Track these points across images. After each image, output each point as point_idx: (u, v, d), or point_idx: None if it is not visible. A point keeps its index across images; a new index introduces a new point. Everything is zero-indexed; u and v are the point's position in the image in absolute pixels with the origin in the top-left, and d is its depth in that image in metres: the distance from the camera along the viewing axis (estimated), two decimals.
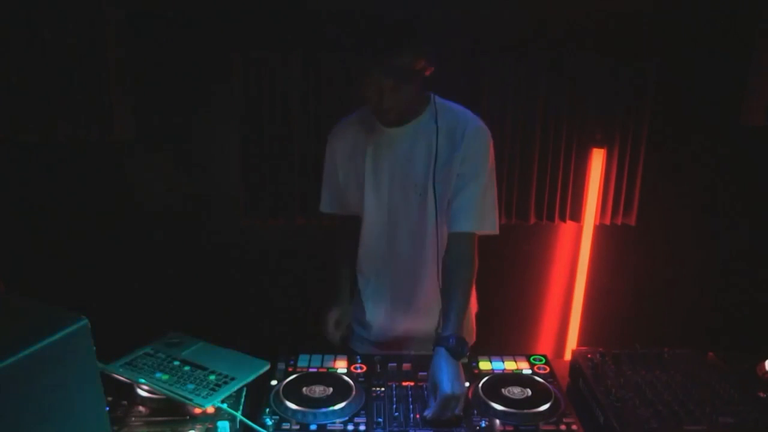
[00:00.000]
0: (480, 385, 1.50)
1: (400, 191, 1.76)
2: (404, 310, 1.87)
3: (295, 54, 2.48)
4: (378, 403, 1.46)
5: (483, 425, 1.39)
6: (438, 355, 1.49)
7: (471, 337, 1.98)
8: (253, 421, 1.37)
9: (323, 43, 2.45)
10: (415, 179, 1.73)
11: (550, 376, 1.59)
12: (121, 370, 1.50)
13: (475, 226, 1.69)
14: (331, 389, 1.48)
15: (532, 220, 2.75)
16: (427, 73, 1.62)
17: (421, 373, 1.58)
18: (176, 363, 1.55)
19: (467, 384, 1.51)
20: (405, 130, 1.72)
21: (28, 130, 2.47)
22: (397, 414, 1.42)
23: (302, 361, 1.63)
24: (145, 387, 1.44)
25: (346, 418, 1.39)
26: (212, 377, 1.49)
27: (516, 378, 1.56)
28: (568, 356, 2.46)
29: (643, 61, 2.55)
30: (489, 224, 1.72)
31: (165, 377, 1.48)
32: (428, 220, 1.74)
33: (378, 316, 1.91)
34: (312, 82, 2.51)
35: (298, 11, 2.44)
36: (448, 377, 1.42)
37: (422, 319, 1.84)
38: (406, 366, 1.62)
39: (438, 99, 1.75)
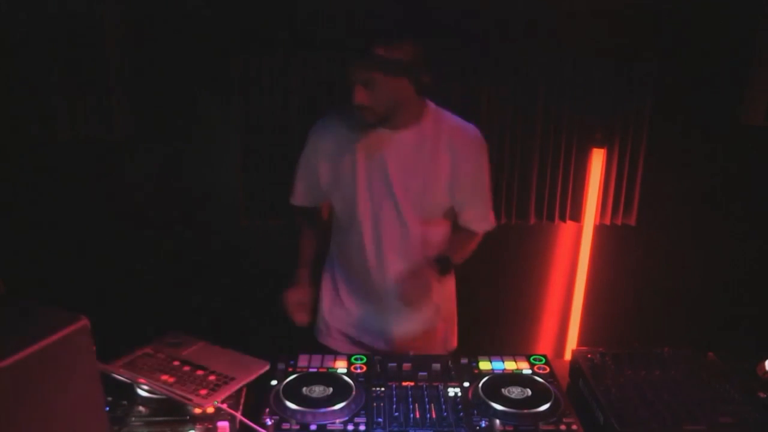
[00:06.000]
0: (480, 385, 1.50)
1: (394, 196, 1.75)
2: (392, 304, 1.85)
3: (295, 55, 2.47)
4: (378, 403, 1.46)
5: (483, 425, 1.39)
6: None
7: (453, 340, 2.02)
8: (253, 421, 1.37)
9: (322, 45, 2.46)
10: (413, 185, 1.73)
11: (550, 376, 1.58)
12: (121, 370, 1.50)
13: (485, 228, 1.89)
14: (331, 389, 1.48)
15: (532, 220, 2.75)
16: (425, 80, 1.62)
17: (421, 373, 1.58)
18: (176, 363, 1.55)
19: (467, 384, 1.53)
20: (404, 135, 1.72)
21: (29, 130, 2.48)
22: (397, 414, 1.42)
23: (302, 361, 1.63)
24: (145, 387, 1.44)
25: (346, 418, 1.39)
26: (212, 377, 1.49)
27: (516, 378, 1.56)
28: (568, 356, 2.46)
29: (643, 61, 2.55)
30: (491, 222, 1.89)
31: (165, 377, 1.48)
32: (426, 226, 1.79)
33: (364, 313, 1.91)
34: (312, 82, 2.51)
35: (298, 12, 2.45)
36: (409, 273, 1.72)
37: (411, 316, 1.84)
38: (406, 366, 1.61)
39: (434, 106, 1.76)
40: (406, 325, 1.89)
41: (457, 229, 1.89)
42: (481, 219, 1.87)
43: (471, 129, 1.77)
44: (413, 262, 1.80)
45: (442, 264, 1.78)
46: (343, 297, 1.95)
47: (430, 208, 1.78)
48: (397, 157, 1.72)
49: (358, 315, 1.93)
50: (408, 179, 1.73)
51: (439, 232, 1.84)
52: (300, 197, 1.92)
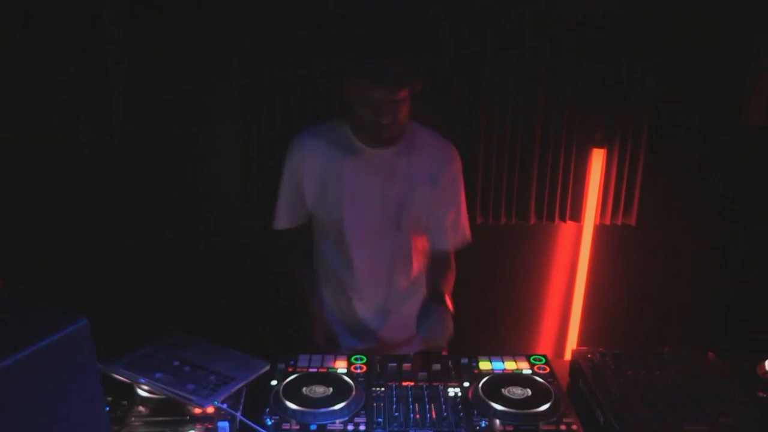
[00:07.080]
0: (480, 385, 1.50)
1: (382, 211, 1.75)
2: (378, 314, 1.89)
3: (294, 56, 2.47)
4: (378, 403, 1.46)
5: (483, 425, 1.39)
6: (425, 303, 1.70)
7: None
8: (253, 421, 1.37)
9: (322, 46, 2.45)
10: (399, 199, 1.74)
11: (550, 376, 1.58)
12: (121, 370, 1.49)
13: (456, 245, 1.85)
14: (331, 389, 1.48)
15: (532, 220, 2.75)
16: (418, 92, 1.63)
17: (421, 374, 1.58)
18: (176, 363, 1.55)
19: (467, 384, 1.53)
20: (389, 152, 1.71)
21: (28, 130, 2.48)
22: (397, 414, 1.42)
23: (302, 361, 1.63)
24: (145, 387, 1.44)
25: (346, 418, 1.39)
26: (212, 377, 1.49)
27: (516, 378, 1.56)
28: (568, 356, 2.47)
29: (643, 61, 2.55)
30: (465, 239, 1.86)
31: (165, 377, 1.48)
32: (409, 239, 1.81)
33: (351, 324, 1.92)
34: (311, 82, 2.50)
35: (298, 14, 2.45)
36: (428, 322, 1.64)
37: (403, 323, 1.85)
38: (406, 366, 1.61)
39: (414, 123, 1.75)
40: (391, 335, 1.92)
41: (433, 257, 1.87)
42: (458, 233, 1.85)
43: (446, 142, 1.80)
44: (401, 272, 1.83)
45: (439, 298, 1.72)
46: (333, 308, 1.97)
47: (415, 220, 1.79)
48: (383, 174, 1.73)
49: (346, 326, 1.94)
50: (394, 194, 1.74)
51: (420, 247, 1.86)
52: (284, 219, 1.85)
